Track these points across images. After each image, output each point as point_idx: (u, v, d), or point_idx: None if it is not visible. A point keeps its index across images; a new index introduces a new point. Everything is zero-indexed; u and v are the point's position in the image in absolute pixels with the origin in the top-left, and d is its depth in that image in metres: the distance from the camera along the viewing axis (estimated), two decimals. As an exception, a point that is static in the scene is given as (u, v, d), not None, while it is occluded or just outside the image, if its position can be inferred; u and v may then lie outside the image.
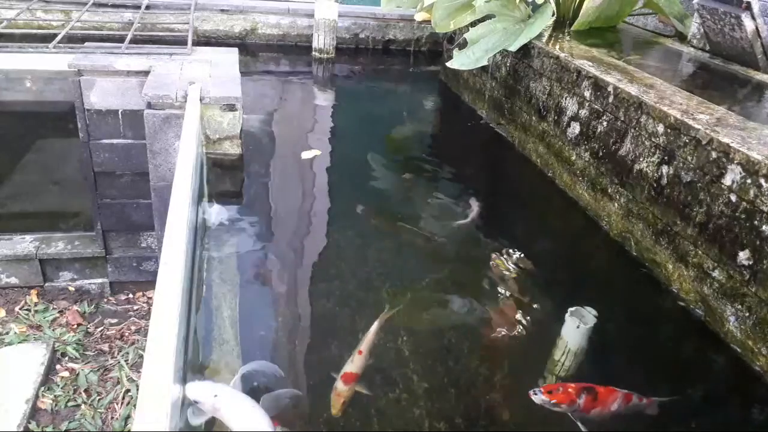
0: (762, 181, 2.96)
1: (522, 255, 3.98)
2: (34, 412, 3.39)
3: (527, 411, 2.72)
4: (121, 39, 4.42)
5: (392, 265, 3.95)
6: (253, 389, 2.68)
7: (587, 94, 4.45)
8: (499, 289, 3.69)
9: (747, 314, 3.06)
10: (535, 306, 3.57)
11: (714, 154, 3.26)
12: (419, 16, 7.10)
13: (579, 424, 2.62)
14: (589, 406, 2.65)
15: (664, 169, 3.65)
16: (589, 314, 3.22)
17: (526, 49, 5.35)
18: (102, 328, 4.17)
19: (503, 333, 3.33)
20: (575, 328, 3.09)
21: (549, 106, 5.01)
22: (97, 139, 4.09)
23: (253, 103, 6.49)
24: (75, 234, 4.56)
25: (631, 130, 3.97)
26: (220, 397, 2.28)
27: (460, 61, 5.55)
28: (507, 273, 3.79)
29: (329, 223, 4.45)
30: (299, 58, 8.30)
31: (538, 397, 2.67)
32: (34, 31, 6.53)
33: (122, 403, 3.55)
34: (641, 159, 3.86)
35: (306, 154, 5.19)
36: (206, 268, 3.43)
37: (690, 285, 3.45)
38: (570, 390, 2.69)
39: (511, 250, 4.04)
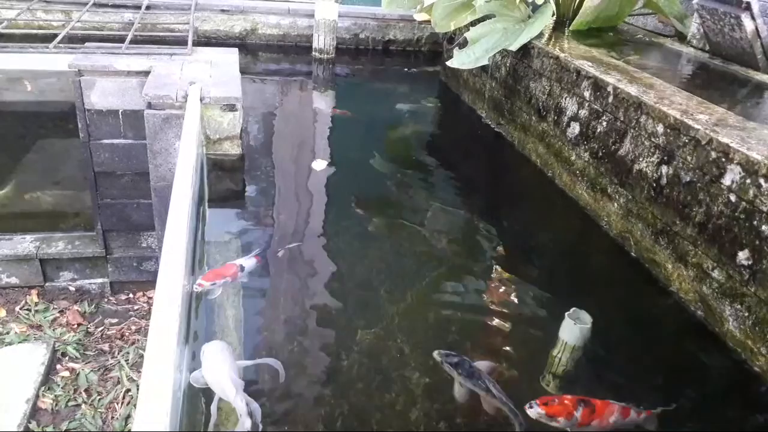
0: (761, 181, 2.96)
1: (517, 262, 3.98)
2: (35, 412, 3.40)
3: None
4: (121, 39, 4.42)
5: (392, 265, 3.95)
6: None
7: (587, 94, 4.45)
8: (499, 289, 3.69)
9: (746, 314, 3.06)
10: (534, 306, 3.57)
11: (713, 154, 3.26)
12: (419, 17, 7.10)
13: None
14: (587, 419, 2.57)
15: (664, 169, 3.65)
16: (587, 315, 3.22)
17: (525, 49, 5.36)
18: (102, 327, 4.18)
19: (503, 332, 3.34)
20: (572, 327, 3.09)
21: (549, 106, 5.01)
22: (97, 139, 4.10)
23: (253, 103, 6.50)
24: (75, 234, 4.57)
25: (630, 130, 3.97)
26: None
27: (460, 60, 5.55)
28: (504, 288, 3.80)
29: (329, 222, 4.45)
30: (299, 58, 8.31)
31: (534, 410, 2.54)
32: (35, 31, 6.53)
33: (122, 403, 3.55)
34: (641, 159, 3.86)
35: (317, 165, 5.15)
36: (207, 268, 3.43)
37: (689, 285, 3.45)
38: (566, 402, 2.60)
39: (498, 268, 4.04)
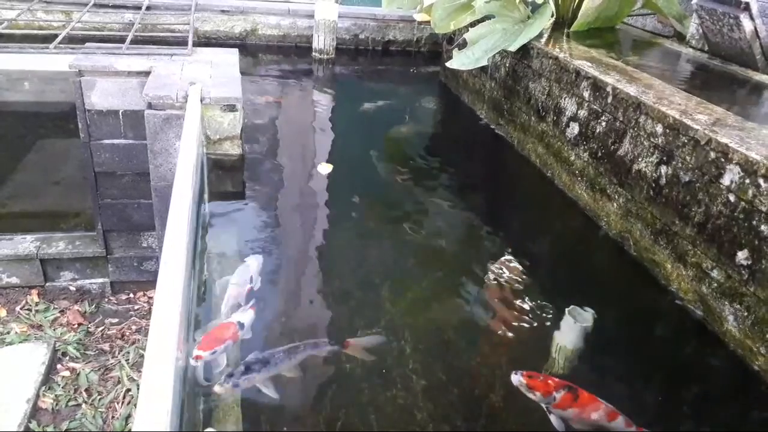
0: (760, 181, 2.97)
1: (517, 262, 3.99)
2: (35, 412, 3.40)
3: (527, 410, 2.73)
4: (121, 39, 4.42)
5: (392, 265, 3.96)
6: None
7: (586, 94, 4.46)
8: (499, 289, 3.70)
9: (746, 314, 3.07)
10: (534, 305, 3.58)
11: (712, 155, 3.27)
12: (419, 17, 7.10)
13: (552, 419, 2.61)
14: (566, 404, 2.63)
15: (663, 169, 3.66)
16: (587, 314, 3.23)
17: (525, 50, 5.37)
18: (103, 327, 4.18)
19: (502, 332, 3.34)
20: (571, 326, 3.11)
21: (548, 106, 5.02)
22: (97, 140, 4.10)
23: (253, 103, 6.50)
24: (76, 234, 4.57)
25: (629, 130, 3.98)
26: None
27: (459, 61, 5.56)
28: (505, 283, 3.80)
29: (329, 222, 4.46)
30: (299, 58, 8.31)
31: (516, 377, 2.71)
32: (35, 31, 6.53)
33: (123, 403, 3.56)
34: (640, 159, 3.87)
35: (322, 169, 5.13)
36: (207, 267, 3.44)
37: (689, 285, 3.46)
38: (550, 382, 2.70)
39: (507, 258, 4.05)
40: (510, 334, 3.32)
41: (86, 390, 3.62)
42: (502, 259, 4.00)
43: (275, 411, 2.70)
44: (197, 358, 2.50)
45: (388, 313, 3.40)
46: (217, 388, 2.46)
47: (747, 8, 4.56)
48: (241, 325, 2.85)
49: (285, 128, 6.19)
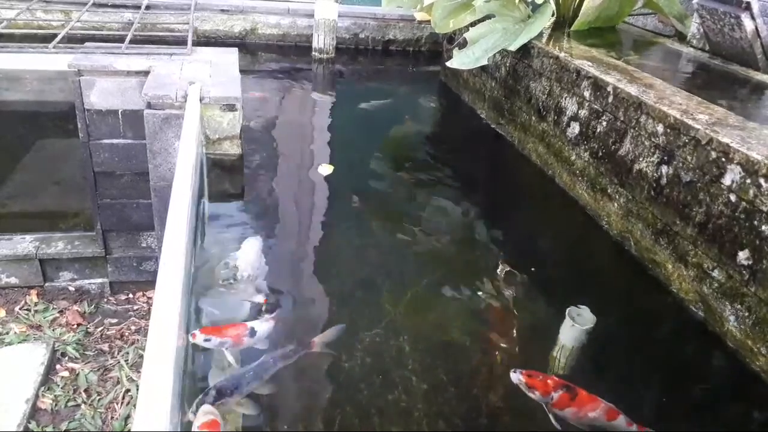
0: (761, 180, 2.96)
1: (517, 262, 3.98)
2: (34, 412, 3.39)
3: (527, 411, 2.73)
4: (121, 39, 4.41)
5: (393, 264, 3.95)
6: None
7: (587, 94, 4.45)
8: (499, 289, 3.69)
9: (746, 314, 3.06)
10: (534, 305, 3.57)
11: (713, 154, 3.26)
12: (419, 16, 7.10)
13: (551, 417, 2.62)
14: (565, 403, 2.64)
15: (664, 169, 3.65)
16: (588, 314, 3.22)
17: (525, 49, 5.36)
18: (102, 327, 4.17)
19: (503, 332, 3.34)
20: (571, 327, 3.10)
21: (549, 106, 5.01)
22: (97, 139, 4.09)
23: (252, 103, 6.49)
24: (75, 234, 4.56)
25: (630, 130, 3.97)
26: None
27: (460, 60, 5.55)
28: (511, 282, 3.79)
29: (329, 222, 4.45)
30: (299, 58, 8.30)
31: (516, 375, 2.72)
32: (34, 31, 6.52)
33: (122, 403, 3.55)
34: (641, 159, 3.86)
35: (323, 170, 5.10)
36: (206, 267, 3.43)
37: (690, 285, 3.45)
38: (549, 381, 2.71)
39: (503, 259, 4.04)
40: (510, 334, 3.31)
41: (85, 390, 3.61)
42: (502, 258, 4.00)
43: (276, 410, 2.69)
44: (192, 336, 2.59)
45: (389, 313, 3.39)
46: (190, 416, 2.34)
47: (748, 8, 4.55)
48: (253, 332, 2.82)
49: (285, 128, 6.18)
